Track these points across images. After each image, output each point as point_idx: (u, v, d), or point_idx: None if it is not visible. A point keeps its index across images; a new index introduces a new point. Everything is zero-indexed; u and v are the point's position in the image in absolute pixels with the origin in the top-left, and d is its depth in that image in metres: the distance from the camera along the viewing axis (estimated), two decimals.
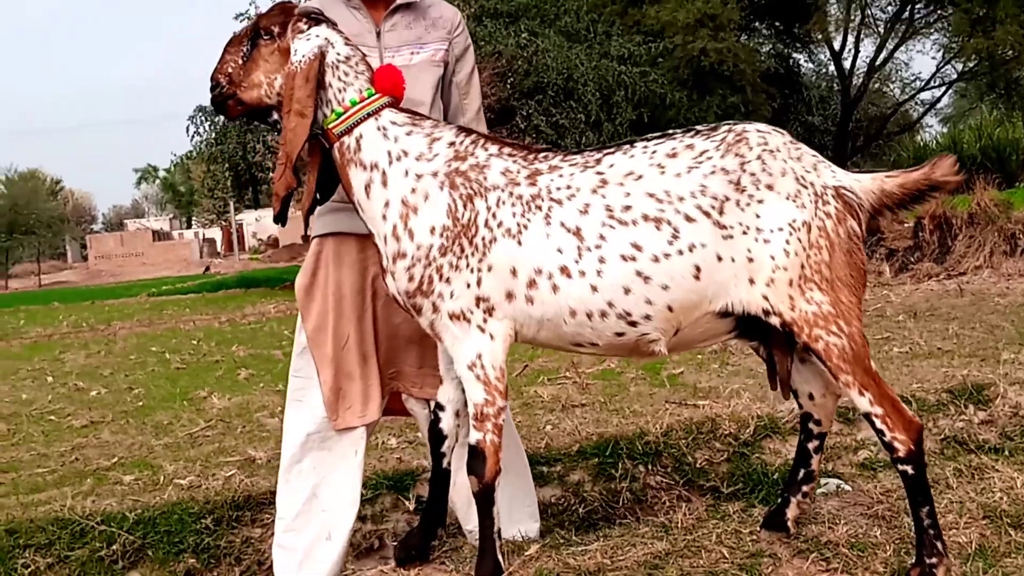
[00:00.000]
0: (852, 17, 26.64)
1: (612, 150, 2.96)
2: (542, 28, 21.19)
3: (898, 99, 31.51)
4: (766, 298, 2.83)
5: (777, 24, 27.86)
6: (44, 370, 10.89)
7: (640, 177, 2.86)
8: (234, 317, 16.09)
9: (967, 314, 8.46)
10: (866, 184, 2.95)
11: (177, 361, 10.67)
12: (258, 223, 57.05)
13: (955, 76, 28.45)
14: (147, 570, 3.86)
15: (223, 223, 45.31)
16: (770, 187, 2.84)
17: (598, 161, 2.92)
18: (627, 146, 2.96)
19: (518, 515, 3.60)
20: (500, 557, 3.02)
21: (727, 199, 2.82)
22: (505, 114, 19.64)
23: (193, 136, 22.58)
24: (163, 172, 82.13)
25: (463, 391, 3.03)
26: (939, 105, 33.61)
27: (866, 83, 28.31)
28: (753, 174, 2.84)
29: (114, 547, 3.86)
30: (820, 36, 27.04)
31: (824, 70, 30.64)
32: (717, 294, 2.85)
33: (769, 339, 3.04)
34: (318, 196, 3.16)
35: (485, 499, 2.98)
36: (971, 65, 26.01)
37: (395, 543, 3.63)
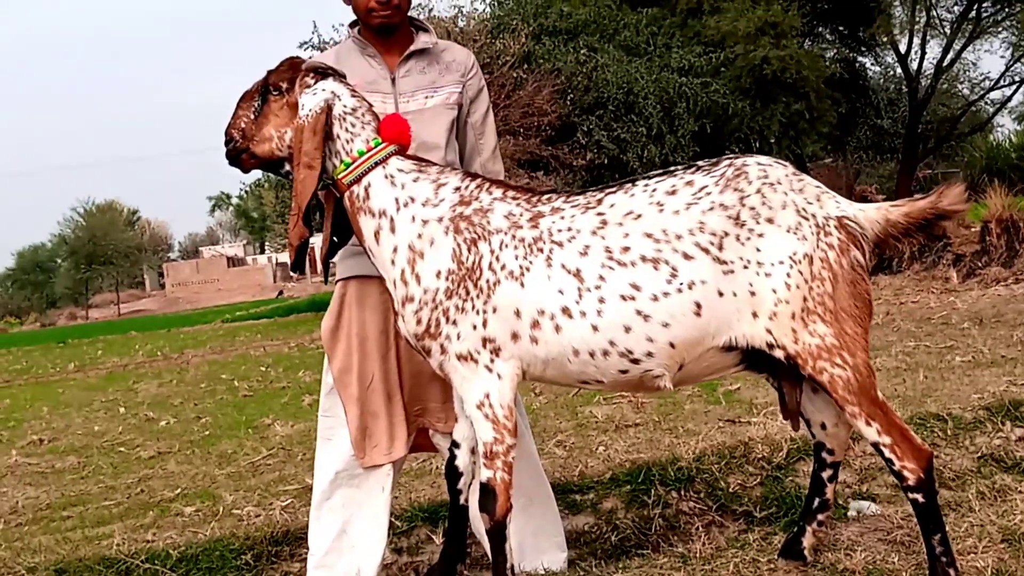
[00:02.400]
0: (917, 19, 26.19)
1: (614, 189, 3.01)
2: (601, 43, 21.19)
3: (968, 99, 30.87)
4: (769, 331, 2.85)
5: (841, 28, 27.47)
6: (117, 401, 11.23)
7: (639, 217, 2.91)
8: (303, 342, 16.36)
9: None
10: (870, 214, 2.96)
11: (245, 388, 10.91)
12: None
13: None
14: None
15: None
16: (770, 220, 2.86)
17: (599, 202, 2.97)
18: (629, 184, 3.00)
19: (545, 545, 3.65)
20: None
21: (726, 234, 2.85)
22: (566, 131, 19.70)
23: None
24: (236, 199, 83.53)
25: None
26: (1013, 103, 32.90)
27: (934, 84, 27.79)
28: (752, 208, 2.86)
29: None
30: (885, 39, 26.62)
31: (891, 72, 30.13)
32: (720, 329, 2.88)
33: (777, 370, 3.06)
34: (335, 240, 3.26)
35: (497, 536, 3.04)
36: None
37: None
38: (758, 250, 2.85)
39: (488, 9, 23.05)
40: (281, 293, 47.82)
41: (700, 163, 3.02)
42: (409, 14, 3.53)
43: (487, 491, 3.02)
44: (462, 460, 3.25)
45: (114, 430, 8.90)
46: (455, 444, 3.26)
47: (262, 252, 78.13)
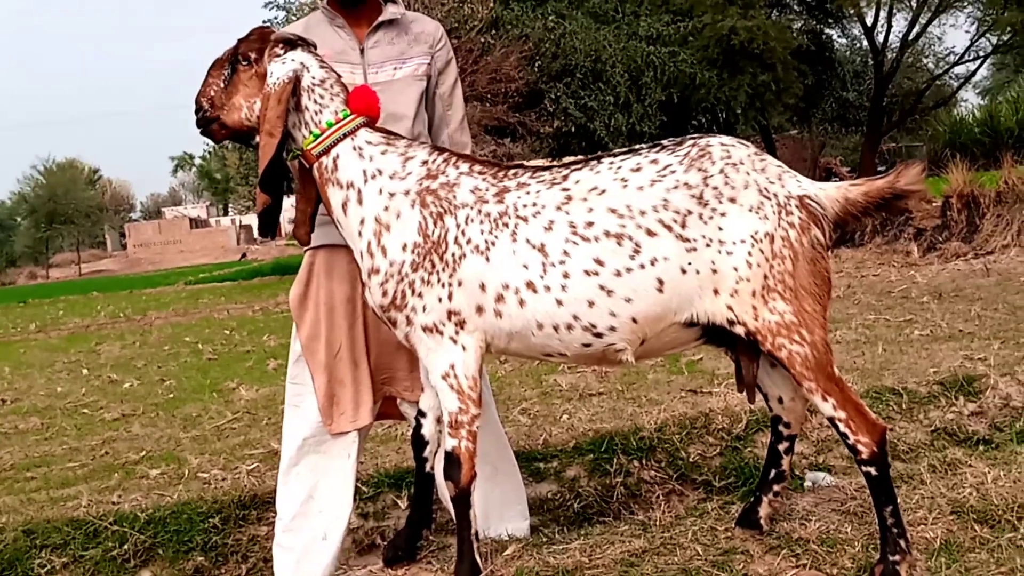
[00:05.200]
0: None
1: (580, 166, 3.05)
2: (569, 10, 21.17)
3: (933, 73, 31.12)
4: (730, 308, 2.91)
5: (808, 0, 27.61)
6: (80, 362, 11.16)
7: (603, 192, 2.95)
8: (267, 306, 16.30)
9: (992, 295, 8.47)
10: (831, 193, 3.02)
11: (209, 352, 10.89)
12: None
13: (990, 49, 28.12)
14: (158, 568, 4.02)
15: None
16: (732, 200, 2.91)
17: (565, 178, 3.01)
18: (594, 162, 3.05)
19: (509, 513, 3.72)
20: (478, 558, 3.14)
21: (689, 212, 2.90)
22: (533, 98, 19.68)
23: None
24: (199, 160, 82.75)
25: None
26: (977, 77, 33.24)
27: (899, 58, 27.97)
28: (716, 187, 2.91)
29: (126, 546, 4.02)
30: (852, 11, 26.74)
31: (858, 45, 30.32)
32: (682, 305, 2.93)
33: (736, 345, 3.13)
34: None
35: (461, 503, 3.10)
36: (1005, 38, 25.73)
37: (383, 543, 3.77)
38: (720, 229, 2.90)
39: None
40: (244, 256, 47.56)
41: (664, 142, 3.06)
42: None
43: (452, 460, 3.08)
44: (428, 429, 3.31)
45: (77, 391, 8.87)
46: (421, 413, 3.31)
47: (225, 214, 77.55)
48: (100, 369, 10.35)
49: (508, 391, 6.43)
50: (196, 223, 67.23)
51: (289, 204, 3.82)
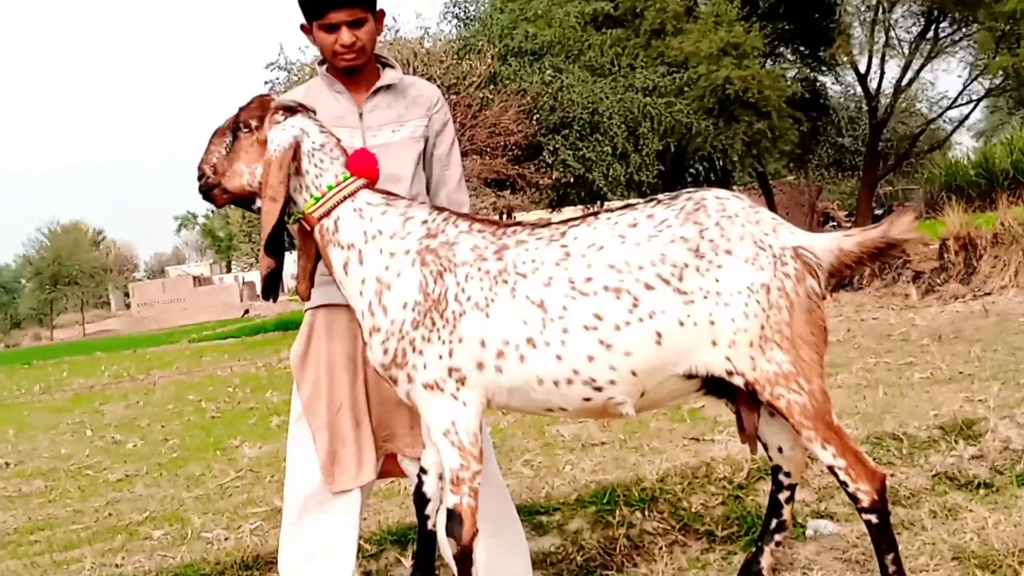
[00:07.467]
0: (876, 39, 26.62)
1: (577, 223, 3.10)
2: (567, 64, 21.43)
3: (927, 118, 31.39)
4: (728, 359, 2.94)
5: (802, 48, 27.93)
6: (84, 423, 11.18)
7: (602, 248, 3.00)
8: (270, 362, 16.30)
9: (991, 336, 8.51)
10: (825, 244, 3.06)
11: (212, 410, 10.91)
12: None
13: (983, 93, 28.38)
14: None
15: None
16: (728, 252, 2.95)
17: (563, 234, 3.06)
18: (592, 218, 3.10)
19: (512, 568, 3.72)
20: None
21: (687, 266, 2.94)
22: (532, 150, 19.87)
23: None
24: (202, 218, 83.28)
25: None
26: (971, 120, 33.49)
27: (893, 103, 28.23)
28: (712, 240, 2.96)
29: None
30: (845, 59, 27.04)
31: (851, 92, 30.61)
32: (681, 358, 2.97)
33: (736, 395, 3.15)
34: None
35: (464, 561, 3.11)
36: (997, 82, 26.03)
37: None
38: (717, 281, 2.94)
39: (454, 30, 23.24)
40: (247, 312, 47.61)
41: (660, 197, 3.11)
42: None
43: (454, 517, 3.09)
44: (430, 486, 3.31)
45: (81, 453, 8.89)
46: (423, 470, 3.32)
47: (229, 271, 77.78)
48: (104, 430, 10.37)
49: (511, 442, 6.44)
50: (199, 281, 67.36)
51: (291, 259, 3.87)
